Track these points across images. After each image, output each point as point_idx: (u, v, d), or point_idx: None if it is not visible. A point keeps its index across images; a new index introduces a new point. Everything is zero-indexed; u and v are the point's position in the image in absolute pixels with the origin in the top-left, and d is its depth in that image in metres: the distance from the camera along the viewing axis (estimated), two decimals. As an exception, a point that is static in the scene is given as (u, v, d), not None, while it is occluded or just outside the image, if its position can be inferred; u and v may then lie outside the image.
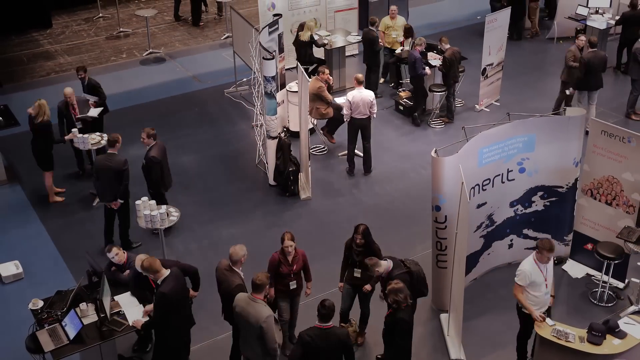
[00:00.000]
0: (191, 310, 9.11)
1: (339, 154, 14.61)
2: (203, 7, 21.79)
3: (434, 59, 15.81)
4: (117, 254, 9.53)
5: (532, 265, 8.91)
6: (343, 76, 17.22)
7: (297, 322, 9.73)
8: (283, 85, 14.04)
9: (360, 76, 13.63)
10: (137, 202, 10.69)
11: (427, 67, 15.19)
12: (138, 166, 11.75)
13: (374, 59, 16.59)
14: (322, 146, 14.84)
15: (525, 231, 11.20)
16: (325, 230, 12.08)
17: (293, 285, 9.35)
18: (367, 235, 9.39)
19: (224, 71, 18.14)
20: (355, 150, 14.28)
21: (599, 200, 10.97)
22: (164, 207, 10.80)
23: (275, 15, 14.59)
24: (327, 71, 14.36)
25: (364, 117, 13.39)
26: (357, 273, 9.51)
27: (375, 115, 13.58)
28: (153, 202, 10.70)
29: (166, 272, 8.49)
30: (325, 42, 16.78)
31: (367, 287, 9.51)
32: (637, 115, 15.64)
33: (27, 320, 9.19)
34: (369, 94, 13.44)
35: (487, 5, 20.24)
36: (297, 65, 14.23)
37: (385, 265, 8.79)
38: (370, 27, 16.40)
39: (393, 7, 17.26)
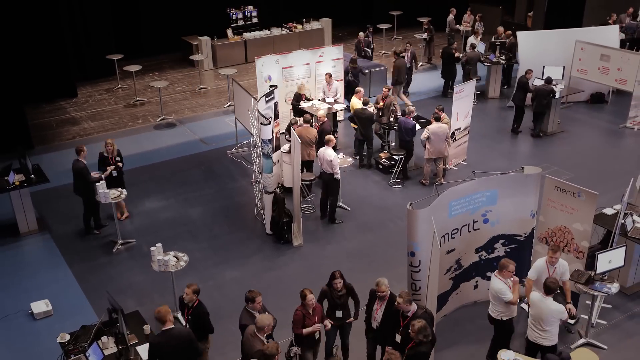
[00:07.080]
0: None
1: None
2: None
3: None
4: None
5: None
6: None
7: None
8: (278, 147, 14.20)
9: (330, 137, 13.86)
10: (152, 248, 10.80)
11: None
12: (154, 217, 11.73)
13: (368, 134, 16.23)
14: (310, 205, 14.86)
15: (488, 274, 11.11)
16: (315, 273, 12.10)
17: (317, 335, 9.25)
18: (343, 277, 9.43)
19: (226, 135, 18.36)
20: (340, 203, 14.55)
21: (552, 247, 11.17)
22: (172, 252, 11.00)
23: (271, 86, 14.87)
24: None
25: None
26: (339, 313, 9.46)
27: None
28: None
29: (169, 325, 8.46)
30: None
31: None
32: None
33: (56, 351, 9.28)
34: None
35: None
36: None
37: (413, 306, 8.84)
38: (363, 107, 15.81)
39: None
